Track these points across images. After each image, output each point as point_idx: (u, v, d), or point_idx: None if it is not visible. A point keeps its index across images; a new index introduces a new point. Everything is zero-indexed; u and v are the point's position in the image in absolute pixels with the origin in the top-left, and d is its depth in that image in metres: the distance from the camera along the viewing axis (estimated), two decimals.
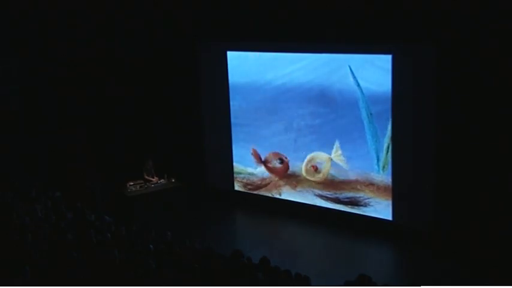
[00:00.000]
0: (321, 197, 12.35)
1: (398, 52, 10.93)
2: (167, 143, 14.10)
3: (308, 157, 12.42)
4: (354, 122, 11.59)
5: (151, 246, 8.63)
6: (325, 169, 12.19)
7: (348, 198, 12.01)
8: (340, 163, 11.96)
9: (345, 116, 11.71)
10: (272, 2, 11.93)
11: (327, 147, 12.09)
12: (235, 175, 13.63)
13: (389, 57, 10.96)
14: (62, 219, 10.05)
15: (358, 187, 11.83)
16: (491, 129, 10.15)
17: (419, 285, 7.19)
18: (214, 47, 13.39)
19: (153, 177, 13.21)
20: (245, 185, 13.55)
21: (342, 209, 12.11)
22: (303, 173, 12.55)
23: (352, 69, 11.39)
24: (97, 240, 8.89)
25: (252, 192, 13.40)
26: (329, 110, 11.91)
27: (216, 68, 13.38)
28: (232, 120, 13.38)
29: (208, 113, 13.81)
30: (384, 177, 11.47)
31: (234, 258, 8.23)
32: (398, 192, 11.38)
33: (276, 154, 12.89)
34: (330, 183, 12.18)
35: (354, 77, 11.38)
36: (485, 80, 10.03)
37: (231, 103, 13.28)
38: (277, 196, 13.03)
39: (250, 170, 13.40)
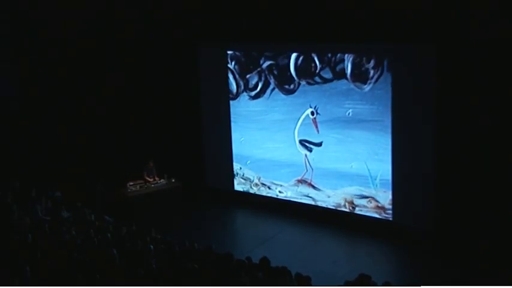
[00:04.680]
0: None
1: (398, 52, 10.93)
2: (167, 143, 14.09)
3: None
4: None
5: (151, 246, 8.63)
6: None
7: None
8: None
9: None
10: (272, 3, 11.93)
11: None
12: None
13: None
14: (62, 219, 10.06)
15: None
16: (492, 129, 10.15)
17: (419, 285, 7.18)
18: (214, 47, 13.38)
19: (154, 178, 13.21)
20: None
21: (342, 209, 12.11)
22: None
23: None
24: (97, 240, 8.89)
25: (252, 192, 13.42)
26: None
27: (216, 68, 13.37)
28: None
29: (208, 113, 13.80)
30: None
31: (225, 259, 8.18)
32: (399, 192, 11.38)
33: None
34: None
35: None
36: (485, 79, 10.02)
37: None
38: (277, 196, 13.05)
39: None
